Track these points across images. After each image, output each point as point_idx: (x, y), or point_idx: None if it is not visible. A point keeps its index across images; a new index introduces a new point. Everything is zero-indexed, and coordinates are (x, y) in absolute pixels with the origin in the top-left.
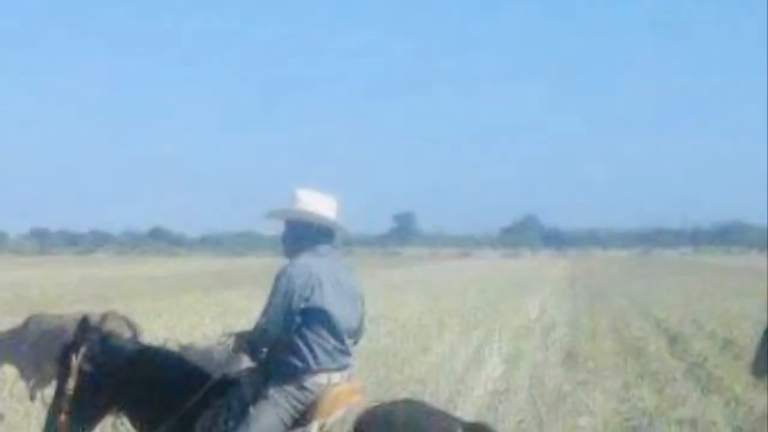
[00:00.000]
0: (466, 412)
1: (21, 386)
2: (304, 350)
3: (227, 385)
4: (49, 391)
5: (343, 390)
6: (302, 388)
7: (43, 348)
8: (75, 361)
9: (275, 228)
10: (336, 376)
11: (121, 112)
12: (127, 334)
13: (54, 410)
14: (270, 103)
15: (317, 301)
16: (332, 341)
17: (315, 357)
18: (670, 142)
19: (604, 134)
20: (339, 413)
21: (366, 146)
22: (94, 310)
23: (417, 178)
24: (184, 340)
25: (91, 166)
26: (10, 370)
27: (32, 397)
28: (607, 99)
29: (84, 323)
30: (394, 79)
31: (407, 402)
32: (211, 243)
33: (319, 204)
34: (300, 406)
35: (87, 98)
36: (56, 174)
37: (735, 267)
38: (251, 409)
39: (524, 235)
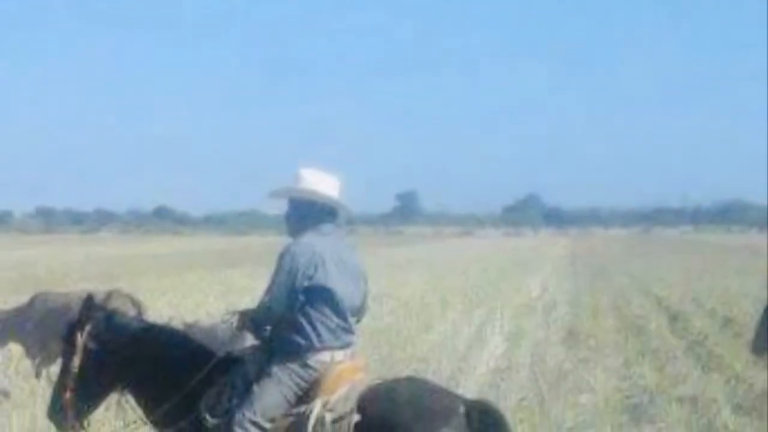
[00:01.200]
0: (468, 390)
1: (26, 364)
2: (308, 328)
3: (231, 362)
4: (55, 368)
5: (346, 368)
6: (305, 365)
7: (48, 326)
8: (80, 339)
9: (279, 207)
10: (339, 354)
11: (126, 92)
12: (131, 312)
13: (59, 388)
14: (273, 82)
15: (320, 279)
16: (335, 319)
17: (318, 335)
18: (671, 121)
19: (605, 113)
20: (342, 391)
21: (369, 125)
22: (99, 288)
23: (419, 158)
24: (189, 318)
25: (96, 146)
26: (15, 348)
27: (38, 375)
28: (608, 78)
29: (89, 301)
30: (397, 58)
31: (410, 379)
32: (215, 222)
33: (322, 183)
34: (303, 384)
35: (92, 78)
36: (61, 153)
37: (735, 246)
38: (255, 387)
39: (526, 214)
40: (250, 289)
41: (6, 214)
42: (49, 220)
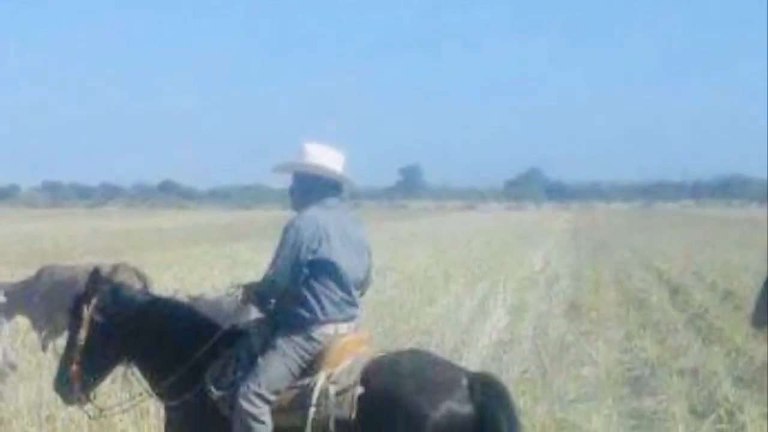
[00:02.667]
0: (471, 362)
1: (33, 337)
2: (312, 301)
3: (236, 335)
4: (61, 341)
5: (350, 340)
6: (310, 338)
7: (54, 299)
8: (86, 311)
9: (283, 181)
10: (343, 327)
11: (132, 67)
12: (137, 285)
13: (66, 360)
14: (278, 57)
15: (325, 252)
16: (339, 292)
17: (322, 308)
18: (672, 95)
19: (607, 88)
20: (346, 363)
21: (373, 100)
22: (104, 261)
23: (423, 132)
24: (194, 292)
25: (103, 121)
26: (22, 321)
27: (44, 348)
28: (609, 53)
29: (95, 275)
30: (400, 33)
31: (413, 352)
32: (220, 196)
33: (326, 157)
34: (308, 357)
35: (98, 52)
36: (68, 128)
37: (735, 219)
38: (259, 360)
39: (528, 188)
40: (254, 263)
41: (13, 189)
42: (55, 195)
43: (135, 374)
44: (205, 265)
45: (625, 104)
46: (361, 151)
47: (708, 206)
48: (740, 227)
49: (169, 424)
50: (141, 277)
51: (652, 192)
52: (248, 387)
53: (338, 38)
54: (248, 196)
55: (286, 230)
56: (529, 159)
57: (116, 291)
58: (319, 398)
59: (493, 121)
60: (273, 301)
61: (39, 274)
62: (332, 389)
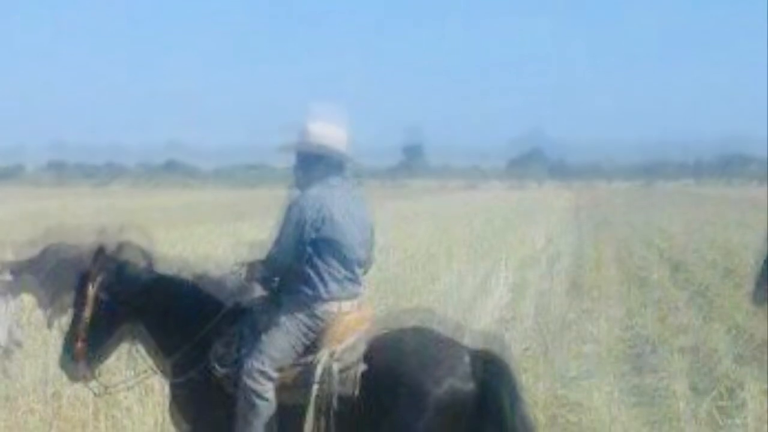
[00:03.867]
0: (473, 340)
1: (38, 314)
2: (315, 279)
3: (240, 313)
4: (66, 319)
5: (353, 318)
6: (313, 316)
7: (60, 277)
8: (91, 289)
9: (287, 160)
10: (346, 305)
11: (137, 46)
12: (142, 263)
13: (71, 338)
14: (282, 36)
15: (328, 231)
16: (342, 270)
17: (326, 286)
18: (673, 74)
19: (609, 67)
20: (349, 341)
21: (376, 80)
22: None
23: (425, 111)
24: (198, 270)
25: (108, 100)
26: (27, 299)
27: (50, 325)
28: (611, 32)
29: (100, 253)
30: (404, 12)
31: (416, 329)
32: (224, 175)
33: (330, 136)
34: (311, 334)
35: (103, 32)
36: (74, 108)
37: (736, 198)
38: (263, 337)
39: (530, 167)
40: (258, 241)
41: (19, 168)
42: (61, 174)
43: (140, 352)
44: (209, 244)
45: (627, 83)
46: (364, 131)
47: (709, 185)
48: (741, 206)
49: (174, 401)
50: (146, 255)
51: (654, 171)
52: (252, 364)
53: (342, 18)
54: (252, 175)
55: (289, 209)
56: (531, 138)
57: (121, 269)
58: (322, 375)
59: (496, 101)
60: (276, 279)
61: (44, 252)
62: (335, 367)
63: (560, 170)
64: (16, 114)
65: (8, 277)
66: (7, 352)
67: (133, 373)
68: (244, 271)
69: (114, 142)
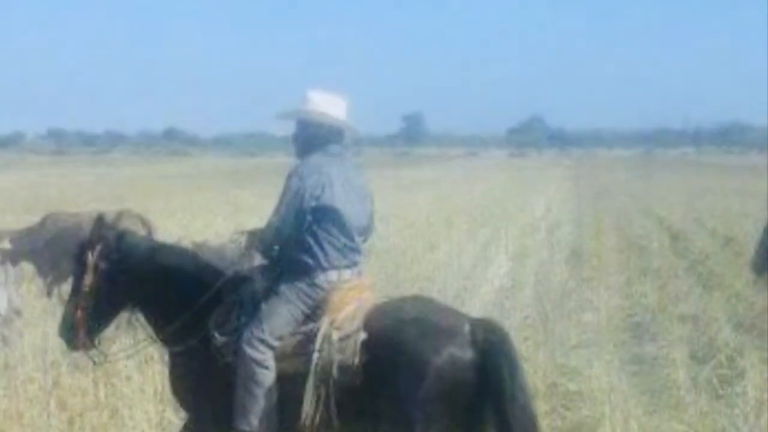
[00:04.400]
0: (473, 308)
1: (38, 283)
2: (315, 248)
3: (240, 281)
4: (66, 287)
5: (353, 286)
6: (313, 284)
7: (59, 246)
8: (91, 258)
9: (287, 128)
10: (346, 273)
11: (136, 14)
12: (141, 232)
13: (70, 307)
14: (281, 4)
15: (328, 199)
16: (342, 239)
17: (326, 254)
18: (672, 43)
19: (608, 35)
20: (349, 309)
21: (375, 48)
22: (109, 208)
23: (425, 79)
24: (198, 238)
25: (107, 68)
26: (27, 268)
27: (49, 294)
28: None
29: (99, 221)
30: None
31: (416, 298)
32: (224, 143)
33: (329, 105)
34: (311, 303)
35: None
36: (73, 76)
37: (735, 166)
38: (263, 306)
39: (530, 135)
40: (258, 209)
41: (18, 136)
42: (60, 142)
43: (139, 320)
44: (208, 212)
45: (627, 51)
46: (364, 98)
47: (708, 153)
48: (740, 174)
49: (173, 369)
50: (145, 223)
51: (653, 139)
52: (252, 333)
53: None
54: (252, 144)
55: (289, 177)
56: (531, 106)
57: (121, 238)
58: (322, 344)
59: (496, 69)
60: (276, 247)
61: (44, 221)
62: (335, 335)
63: (560, 138)
64: (13, 98)
65: (7, 245)
66: (7, 321)
67: (132, 341)
68: (243, 240)
69: (113, 110)
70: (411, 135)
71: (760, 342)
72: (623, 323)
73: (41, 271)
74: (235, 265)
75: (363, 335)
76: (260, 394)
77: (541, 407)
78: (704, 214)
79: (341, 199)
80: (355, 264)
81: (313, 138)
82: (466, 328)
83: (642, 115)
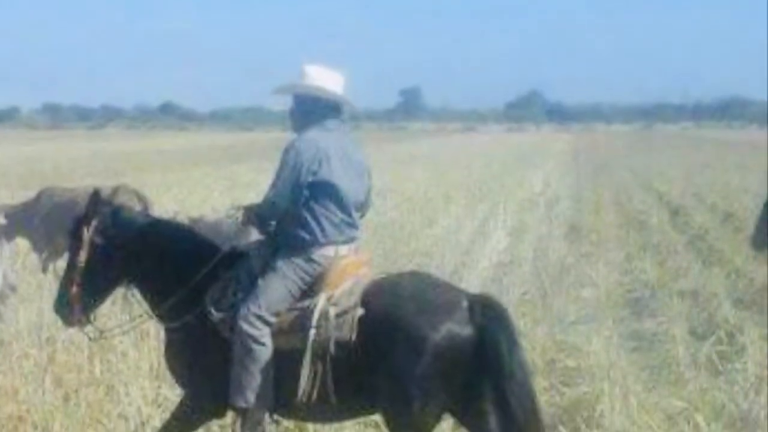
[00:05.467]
0: (471, 284)
1: (33, 258)
2: (312, 223)
3: (236, 257)
4: (61, 263)
5: (350, 262)
6: (310, 260)
7: (55, 221)
8: (86, 233)
9: (284, 103)
10: (343, 249)
11: None
12: (137, 207)
13: (66, 282)
14: None
15: (325, 174)
16: (340, 214)
17: (323, 230)
18: (672, 16)
19: (607, 8)
20: (346, 285)
21: (373, 22)
22: (105, 183)
23: (423, 54)
24: (194, 213)
25: (103, 41)
26: (22, 243)
27: (44, 269)
28: None
29: (95, 196)
30: None
31: (413, 274)
32: (220, 118)
33: (326, 79)
34: (308, 278)
35: None
36: (69, 49)
37: (735, 141)
38: (259, 282)
39: (528, 109)
40: (254, 184)
41: (13, 110)
42: (56, 116)
43: (135, 296)
44: (205, 187)
45: (626, 25)
46: (361, 73)
47: (708, 128)
48: (740, 149)
49: (169, 345)
50: (141, 198)
51: (653, 114)
52: (248, 309)
53: None
54: (248, 118)
55: (286, 152)
56: (530, 80)
57: (116, 213)
58: (319, 320)
59: (494, 43)
60: (273, 222)
61: (39, 196)
62: (332, 311)
63: (559, 113)
64: (8, 72)
65: (2, 220)
66: (2, 297)
67: (128, 317)
68: (240, 215)
69: (109, 84)
70: (408, 109)
71: (760, 318)
72: (622, 299)
73: (36, 247)
74: (232, 241)
75: (360, 311)
76: (257, 370)
77: (539, 383)
78: (704, 189)
79: (338, 174)
80: (352, 239)
81: (310, 113)
82: (464, 304)
83: (641, 89)
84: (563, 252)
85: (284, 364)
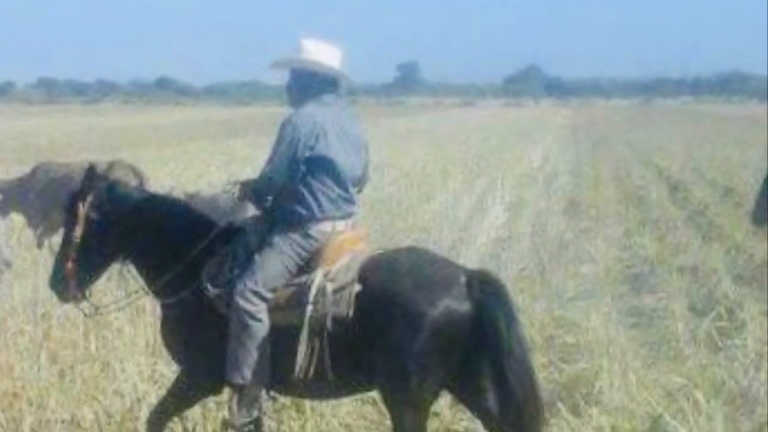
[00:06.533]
0: (469, 260)
1: (28, 234)
2: (309, 198)
3: (233, 233)
4: (56, 239)
5: (347, 238)
6: (307, 236)
7: (50, 196)
8: (82, 209)
9: (280, 78)
10: (340, 224)
11: None
12: (133, 182)
13: (61, 258)
14: None
15: (322, 149)
16: (337, 189)
17: (319, 205)
18: None
19: None
20: (343, 261)
21: None
22: (100, 158)
23: (421, 28)
24: (190, 189)
25: (99, 16)
26: (17, 218)
27: (39, 245)
28: None
29: (91, 171)
30: None
31: (411, 249)
32: (217, 92)
33: (324, 53)
34: (304, 254)
35: None
36: (64, 24)
37: (735, 116)
38: (256, 257)
39: (527, 84)
40: (251, 159)
41: (8, 85)
42: (51, 91)
43: (131, 272)
44: (201, 162)
45: None
46: (358, 47)
47: (708, 103)
48: (740, 124)
49: (165, 321)
50: (137, 174)
51: (652, 88)
52: (245, 284)
53: None
54: (245, 93)
55: (283, 127)
56: (528, 55)
57: (112, 188)
58: (316, 296)
59: (492, 17)
60: (270, 198)
61: (34, 171)
62: (329, 287)
63: (557, 87)
64: (3, 46)
65: None
66: None
67: (124, 293)
68: (236, 191)
69: (105, 59)
70: (406, 84)
71: (760, 294)
72: (621, 275)
73: (32, 222)
74: (228, 216)
75: (357, 287)
76: (253, 346)
77: (538, 360)
78: (703, 164)
79: (336, 149)
80: (349, 215)
81: (307, 87)
82: (462, 279)
83: (641, 64)
84: (562, 227)
85: (281, 340)
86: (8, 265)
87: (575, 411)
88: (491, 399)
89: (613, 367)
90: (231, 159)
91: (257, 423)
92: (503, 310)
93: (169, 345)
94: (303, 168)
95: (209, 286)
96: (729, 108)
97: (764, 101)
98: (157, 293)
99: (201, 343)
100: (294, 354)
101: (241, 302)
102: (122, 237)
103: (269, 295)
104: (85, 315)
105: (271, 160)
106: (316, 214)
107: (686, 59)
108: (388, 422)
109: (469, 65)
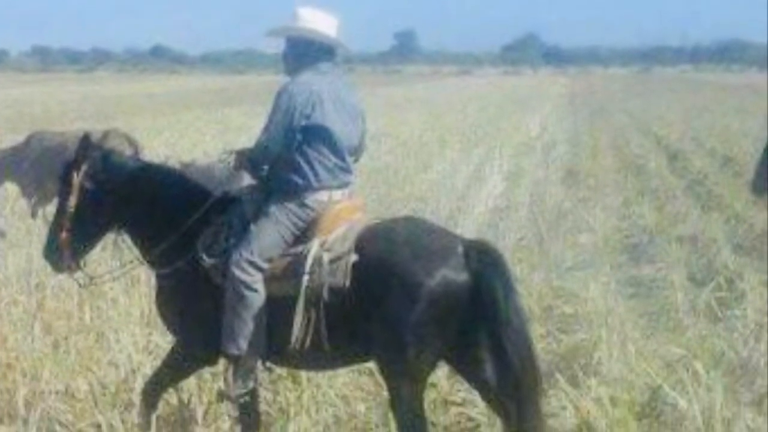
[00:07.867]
0: (467, 229)
1: (22, 204)
2: (305, 168)
3: (228, 202)
4: (50, 208)
5: (344, 207)
6: (303, 205)
7: (44, 165)
8: (76, 178)
9: (276, 46)
10: (337, 194)
11: None
12: (128, 151)
13: (55, 228)
14: None
15: (318, 118)
16: (333, 158)
17: (316, 174)
18: None
19: None
20: (340, 230)
21: None
22: (95, 127)
23: None
24: (185, 158)
25: None
26: (11, 188)
27: (33, 215)
28: None
29: (85, 140)
30: None
31: (408, 219)
32: (212, 61)
33: (320, 22)
34: (301, 223)
35: None
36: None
37: (735, 84)
38: (252, 227)
39: (525, 52)
40: (246, 128)
41: (2, 53)
42: (45, 59)
43: (125, 242)
44: (196, 131)
45: None
46: (355, 16)
47: (707, 71)
48: (739, 92)
49: (160, 292)
50: (132, 143)
51: (651, 57)
52: (241, 254)
53: None
54: (240, 61)
55: (278, 95)
56: (526, 23)
57: (107, 157)
58: (312, 266)
59: None
60: (266, 167)
61: (28, 140)
62: (326, 257)
63: (555, 56)
64: None
65: None
66: None
67: (118, 263)
68: (232, 160)
69: (100, 27)
70: (403, 53)
71: (760, 264)
72: (620, 245)
73: (26, 192)
74: (224, 186)
75: (354, 257)
76: (249, 317)
77: (536, 330)
78: (703, 133)
79: (332, 118)
80: (345, 184)
81: (303, 56)
82: (460, 249)
83: (639, 32)
84: (560, 197)
85: (277, 310)
86: (2, 234)
87: (574, 382)
88: (489, 370)
89: (612, 337)
90: (226, 128)
91: (253, 394)
92: (501, 280)
93: (164, 315)
94: (299, 137)
95: (205, 256)
96: (728, 76)
97: (764, 69)
98: (152, 263)
99: (196, 314)
100: (290, 325)
101: (237, 272)
102: (117, 206)
103: (265, 265)
104: (80, 285)
105: (267, 128)
106: (313, 183)
107: (685, 27)
108: (385, 393)
109: (466, 34)
